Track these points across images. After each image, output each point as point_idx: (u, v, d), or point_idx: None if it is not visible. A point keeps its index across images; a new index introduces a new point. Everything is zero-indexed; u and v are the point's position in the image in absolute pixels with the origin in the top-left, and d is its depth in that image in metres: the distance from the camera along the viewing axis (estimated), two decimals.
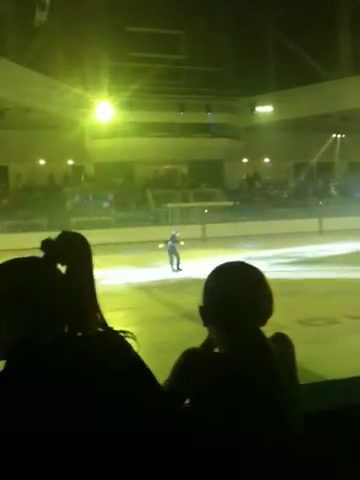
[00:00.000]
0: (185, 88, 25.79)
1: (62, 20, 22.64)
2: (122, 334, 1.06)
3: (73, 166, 25.83)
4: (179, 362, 1.22)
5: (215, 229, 21.14)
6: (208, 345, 1.37)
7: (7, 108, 19.17)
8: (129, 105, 23.35)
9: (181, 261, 12.45)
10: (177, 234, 12.51)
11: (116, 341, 1.06)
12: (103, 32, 23.11)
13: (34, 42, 21.52)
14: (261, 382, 1.20)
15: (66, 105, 20.54)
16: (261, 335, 1.26)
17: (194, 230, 21.04)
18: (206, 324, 1.29)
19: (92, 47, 23.16)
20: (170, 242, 12.32)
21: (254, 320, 1.26)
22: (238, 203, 24.49)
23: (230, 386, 1.19)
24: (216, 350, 1.32)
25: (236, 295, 1.25)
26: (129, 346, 1.07)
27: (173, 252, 12.29)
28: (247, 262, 1.31)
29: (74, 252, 1.06)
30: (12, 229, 20.36)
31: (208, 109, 26.07)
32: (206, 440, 1.18)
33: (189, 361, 1.22)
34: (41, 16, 21.74)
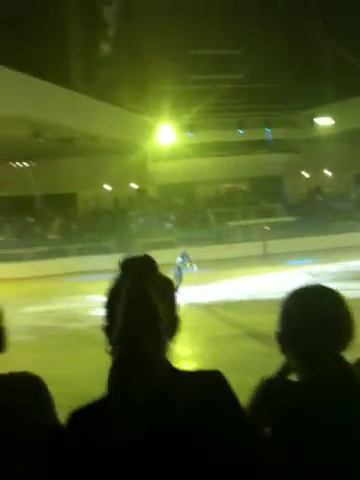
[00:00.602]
0: (245, 106, 26.09)
1: (125, 49, 23.74)
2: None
3: (137, 189, 26.74)
4: (258, 391, 1.20)
5: (277, 245, 20.95)
6: (284, 372, 1.32)
7: (75, 137, 20.23)
8: (190, 127, 23.92)
9: (242, 279, 12.36)
10: (180, 257, 11.97)
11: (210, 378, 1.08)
12: (165, 58, 23.93)
13: (99, 72, 22.69)
14: (346, 412, 1.14)
15: (130, 131, 21.38)
16: (343, 361, 1.20)
17: (256, 247, 20.97)
18: (283, 350, 1.26)
19: (155, 73, 24.02)
20: (180, 259, 11.93)
21: (335, 345, 1.20)
22: (299, 218, 24.14)
23: (312, 417, 1.14)
24: (292, 377, 1.29)
25: (315, 319, 1.20)
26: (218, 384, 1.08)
27: (178, 271, 11.77)
28: (326, 285, 1.28)
29: (134, 271, 1.13)
30: (81, 252, 21.30)
31: (267, 125, 26.11)
32: (286, 469, 1.15)
33: (269, 390, 1.20)
34: (106, 47, 22.96)
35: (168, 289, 1.19)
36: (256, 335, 7.63)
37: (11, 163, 24.34)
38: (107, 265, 16.48)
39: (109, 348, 1.11)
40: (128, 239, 21.03)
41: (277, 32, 26.19)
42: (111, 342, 1.11)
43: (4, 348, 1.22)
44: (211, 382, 1.08)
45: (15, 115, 16.04)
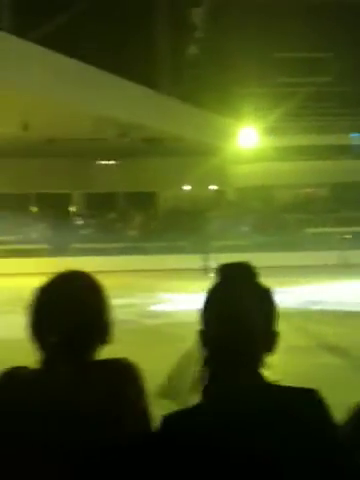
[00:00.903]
0: (331, 110, 25.35)
1: (212, 52, 23.98)
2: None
3: (215, 191, 26.92)
4: (354, 416, 1.19)
5: (357, 256, 20.15)
6: None
7: (159, 137, 20.79)
8: (273, 130, 23.63)
9: (318, 288, 12.13)
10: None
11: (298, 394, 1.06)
12: (250, 61, 23.88)
13: (185, 74, 23.12)
14: None
15: (212, 133, 21.59)
16: None
17: (334, 256, 20.33)
18: None
19: (239, 76, 24.05)
20: None
21: None
22: None
23: None
24: None
25: None
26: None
27: None
28: None
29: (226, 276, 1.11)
30: (159, 250, 21.85)
31: (354, 130, 25.19)
32: None
33: None
34: (192, 50, 23.33)
35: (266, 300, 1.15)
36: (330, 348, 7.46)
37: (97, 161, 25.51)
38: (184, 264, 16.76)
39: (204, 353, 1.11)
40: (205, 240, 21.22)
41: None
42: (203, 347, 1.12)
43: (110, 341, 1.25)
44: (305, 399, 1.05)
45: (103, 115, 16.83)
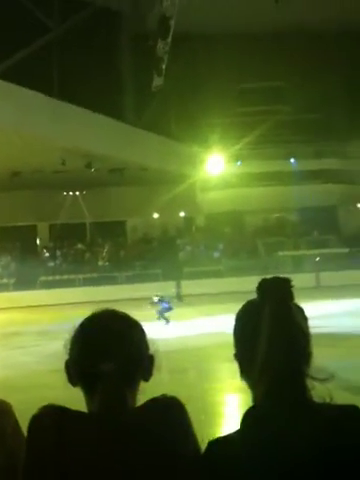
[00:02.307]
0: (295, 137, 25.96)
1: (177, 84, 24.33)
2: None
3: (185, 218, 26.94)
4: None
5: (330, 277, 20.31)
6: None
7: (126, 167, 20.78)
8: (239, 158, 24.00)
9: None
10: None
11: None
12: (214, 92, 24.38)
13: (151, 105, 23.34)
14: None
15: (179, 161, 21.75)
16: None
17: (307, 279, 20.40)
18: None
19: (204, 106, 24.47)
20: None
21: None
22: (355, 250, 23.38)
23: None
24: None
25: None
26: None
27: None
28: None
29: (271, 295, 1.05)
30: (130, 280, 21.50)
31: (319, 155, 25.84)
32: None
33: None
34: (158, 81, 23.57)
35: (304, 318, 1.13)
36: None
37: (64, 192, 25.22)
38: (155, 293, 16.50)
39: (243, 376, 1.10)
40: (176, 267, 21.05)
41: (327, 62, 26.08)
42: (244, 370, 1.09)
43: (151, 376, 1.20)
44: (351, 415, 1.03)
45: (69, 147, 16.70)
